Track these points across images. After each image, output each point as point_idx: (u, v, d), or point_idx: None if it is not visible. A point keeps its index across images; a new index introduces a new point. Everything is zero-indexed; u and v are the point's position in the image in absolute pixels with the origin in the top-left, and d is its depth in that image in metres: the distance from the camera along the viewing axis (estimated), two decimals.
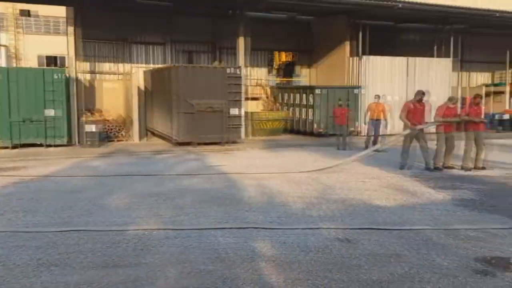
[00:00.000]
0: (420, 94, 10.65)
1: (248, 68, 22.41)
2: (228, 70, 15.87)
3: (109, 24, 18.87)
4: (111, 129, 17.51)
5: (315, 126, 18.83)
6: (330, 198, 7.38)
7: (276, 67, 24.14)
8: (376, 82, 20.14)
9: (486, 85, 26.18)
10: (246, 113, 19.67)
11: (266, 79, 23.00)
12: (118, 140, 17.25)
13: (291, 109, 20.50)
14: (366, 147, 14.02)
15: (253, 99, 22.28)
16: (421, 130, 10.55)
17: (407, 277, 4.22)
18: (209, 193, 7.82)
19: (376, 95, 15.35)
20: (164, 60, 20.58)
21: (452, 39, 21.98)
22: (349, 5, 18.78)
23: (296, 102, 20.15)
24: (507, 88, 24.43)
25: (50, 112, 14.87)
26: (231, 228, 5.74)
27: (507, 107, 24.13)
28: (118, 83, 18.64)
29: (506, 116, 23.07)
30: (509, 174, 9.79)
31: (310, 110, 19.21)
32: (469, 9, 19.64)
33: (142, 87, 18.94)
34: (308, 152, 14.17)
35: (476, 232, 5.56)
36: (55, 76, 15.03)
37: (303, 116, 19.72)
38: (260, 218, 6.24)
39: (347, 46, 20.77)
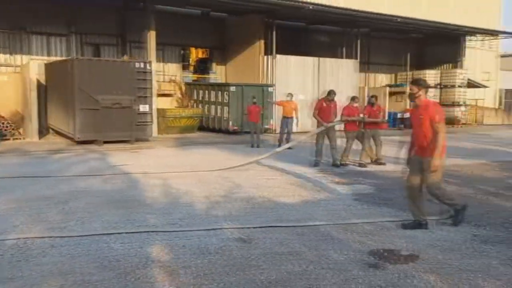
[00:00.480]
0: (333, 94, 10.90)
1: (161, 64, 21.79)
2: (136, 65, 15.18)
3: (3, 11, 17.18)
4: (6, 127, 16.00)
5: (230, 123, 18.72)
6: (237, 197, 7.22)
7: (192, 63, 23.67)
8: (289, 81, 20.53)
9: (389, 86, 27.86)
10: (158, 110, 19.09)
11: (181, 76, 22.42)
12: (14, 139, 15.79)
13: (206, 106, 20.22)
14: (279, 145, 14.20)
15: (166, 95, 21.63)
16: (332, 128, 10.85)
17: (304, 275, 4.15)
18: (107, 195, 7.30)
19: (288, 93, 15.57)
20: (68, 53, 19.21)
21: (358, 41, 23.06)
22: (261, 3, 18.89)
23: (211, 99, 19.92)
24: (407, 89, 26.11)
25: None
26: (126, 232, 5.33)
27: (408, 106, 25.84)
28: (14, 77, 17.02)
29: (407, 115, 24.70)
30: (404, 169, 10.31)
31: (224, 108, 19.07)
32: (374, 13, 20.69)
33: (43, 81, 17.53)
34: (221, 150, 14.00)
35: (372, 226, 5.70)
36: None
37: (217, 114, 19.52)
38: (161, 221, 5.90)
39: (260, 44, 20.89)
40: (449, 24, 24.47)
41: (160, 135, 18.37)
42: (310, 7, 18.38)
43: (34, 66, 15.87)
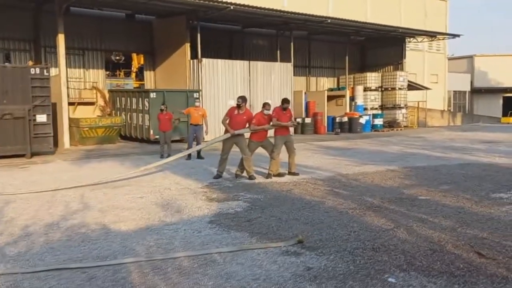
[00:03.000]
0: (241, 100, 9.86)
1: (82, 70, 20.42)
2: (32, 71, 13.77)
3: None
4: None
5: (151, 132, 17.52)
6: (66, 225, 6.06)
7: (134, 70, 22.25)
8: (217, 85, 19.54)
9: (330, 89, 27.29)
10: (71, 119, 17.73)
11: (103, 82, 21.04)
12: None
13: (128, 114, 18.95)
14: (161, 156, 13.27)
15: (87, 103, 20.24)
16: (242, 137, 9.84)
17: None
18: None
19: (195, 99, 14.55)
20: None
21: (292, 44, 22.30)
22: (179, 4, 17.83)
23: (132, 107, 18.67)
24: (347, 92, 25.58)
25: None
26: None
27: (347, 110, 25.28)
28: None
29: (345, 119, 24.12)
30: (302, 180, 9.44)
31: (145, 115, 17.87)
32: (303, 14, 19.97)
33: None
34: (123, 162, 12.82)
35: (194, 261, 4.66)
36: None
37: (139, 122, 18.30)
38: None
39: (186, 48, 19.79)
40: (387, 26, 24.11)
41: (74, 146, 17.02)
42: (231, 7, 17.41)
43: None
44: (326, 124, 24.37)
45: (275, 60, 22.48)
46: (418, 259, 4.73)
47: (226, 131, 10.00)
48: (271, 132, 10.24)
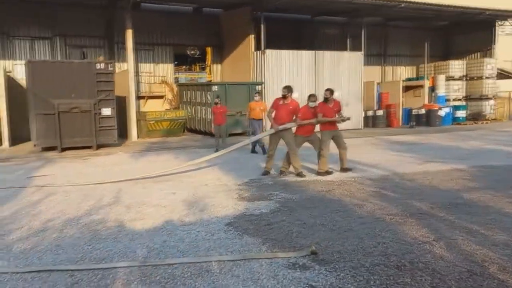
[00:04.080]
0: (286, 90, 9.32)
1: (152, 65, 21.02)
2: (97, 66, 14.32)
3: None
4: None
5: (212, 125, 17.51)
6: (85, 221, 6.00)
7: (209, 64, 22.63)
8: (280, 77, 19.00)
9: (407, 79, 25.49)
10: (140, 113, 18.31)
11: (172, 76, 21.49)
12: None
13: (193, 108, 19.17)
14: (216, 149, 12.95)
15: (157, 97, 20.82)
16: (289, 131, 9.30)
17: None
18: None
19: (255, 93, 14.14)
20: (53, 56, 18.82)
21: (363, 31, 21.04)
22: None
23: (197, 100, 18.82)
24: (426, 82, 23.69)
25: None
26: None
27: (426, 102, 23.44)
28: None
29: (422, 111, 22.38)
30: (350, 179, 8.69)
31: (208, 109, 17.88)
32: None
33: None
34: (179, 155, 12.86)
35: (191, 269, 4.28)
36: None
37: (202, 115, 18.41)
38: None
39: (251, 40, 19.51)
40: (471, 8, 21.81)
41: (142, 139, 17.55)
42: None
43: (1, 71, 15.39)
44: (401, 117, 22.80)
45: (346, 49, 21.41)
46: (448, 283, 3.93)
47: (272, 126, 9.51)
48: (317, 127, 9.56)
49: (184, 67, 23.70)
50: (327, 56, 20.20)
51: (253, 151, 13.05)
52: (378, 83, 23.58)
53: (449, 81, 24.55)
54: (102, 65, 14.42)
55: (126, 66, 18.13)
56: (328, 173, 9.27)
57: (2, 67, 15.81)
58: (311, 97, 9.44)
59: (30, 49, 18.68)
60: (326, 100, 9.42)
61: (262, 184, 8.44)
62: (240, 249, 4.88)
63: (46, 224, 5.84)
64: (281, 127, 9.20)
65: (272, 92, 18.66)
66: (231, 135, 16.32)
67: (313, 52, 19.91)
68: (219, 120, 13.69)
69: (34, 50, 18.79)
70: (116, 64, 20.01)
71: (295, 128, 9.50)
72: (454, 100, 24.54)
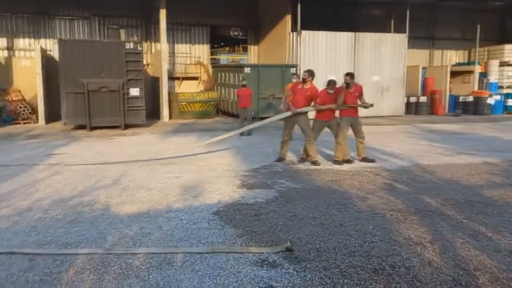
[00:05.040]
0: (308, 73, 8.87)
1: (188, 45, 20.96)
2: (126, 46, 14.36)
3: None
4: (23, 110, 16.38)
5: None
6: (73, 202, 5.93)
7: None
8: (316, 60, 18.33)
9: (459, 64, 23.92)
10: (173, 94, 18.33)
11: (208, 57, 21.35)
12: (25, 123, 16.07)
13: (226, 90, 18.96)
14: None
15: (192, 78, 20.78)
16: (304, 115, 8.88)
17: None
18: None
19: (292, 75, 13.62)
20: (90, 36, 19.16)
21: (408, 12, 19.80)
22: None
23: (230, 82, 18.58)
24: (476, 68, 22.10)
25: None
26: None
27: (475, 89, 21.91)
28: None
29: (470, 99, 20.95)
30: (366, 169, 8.15)
31: None
32: None
33: None
34: (203, 136, 12.64)
35: (154, 260, 4.06)
36: None
37: (235, 98, 18.13)
38: None
39: (287, 20, 18.90)
40: None
41: (174, 120, 17.58)
42: None
43: (38, 49, 15.82)
44: (446, 104, 21.45)
45: (388, 31, 20.31)
46: None
47: (288, 109, 9.07)
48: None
49: (228, 48, 23.56)
50: (368, 38, 19.23)
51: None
52: (423, 68, 22.28)
53: (503, 66, 22.77)
54: (132, 45, 14.43)
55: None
56: (347, 161, 8.76)
57: (40, 46, 16.21)
58: (330, 84, 8.85)
59: (69, 28, 19.11)
60: (347, 85, 8.83)
61: (271, 171, 8.10)
62: (215, 240, 4.60)
63: (34, 204, 5.82)
64: (298, 110, 8.76)
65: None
66: (262, 118, 15.97)
67: (352, 33, 19.01)
68: (245, 102, 13.39)
69: (74, 29, 19.20)
70: (153, 44, 20.22)
71: (315, 113, 9.04)
72: (507, 87, 22.78)
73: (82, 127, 14.38)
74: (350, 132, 8.90)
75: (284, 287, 3.58)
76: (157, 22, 19.42)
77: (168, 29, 19.14)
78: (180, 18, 20.30)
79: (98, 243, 4.51)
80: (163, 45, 17.48)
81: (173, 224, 5.10)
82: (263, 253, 4.25)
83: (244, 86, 13.54)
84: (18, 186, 6.84)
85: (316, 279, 3.73)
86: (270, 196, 6.33)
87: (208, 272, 3.83)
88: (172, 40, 20.37)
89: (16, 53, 18.60)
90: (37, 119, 16.03)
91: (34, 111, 16.54)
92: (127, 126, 14.67)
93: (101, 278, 3.71)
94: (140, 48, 14.59)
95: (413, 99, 20.91)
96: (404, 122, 17.35)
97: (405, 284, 3.62)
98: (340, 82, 9.04)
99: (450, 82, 21.78)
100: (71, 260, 4.07)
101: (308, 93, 8.78)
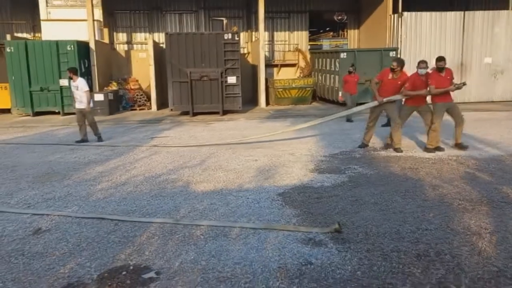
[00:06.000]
0: (397, 63, 8.76)
1: (287, 33, 21.33)
2: (225, 36, 15.21)
3: None
4: (140, 98, 18.26)
5: (339, 94, 17.20)
6: (161, 179, 6.71)
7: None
8: (419, 43, 17.49)
9: None
10: (270, 80, 18.88)
11: (306, 44, 21.49)
12: (140, 109, 17.92)
13: (323, 76, 19.01)
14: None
15: (290, 65, 21.14)
16: (392, 103, 8.81)
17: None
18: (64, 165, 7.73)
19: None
20: (197, 28, 20.54)
21: None
22: None
23: (326, 68, 18.59)
24: None
25: (64, 82, 15.96)
26: None
27: None
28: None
29: None
30: (451, 157, 7.81)
31: (336, 77, 17.57)
32: None
33: None
34: (296, 122, 13.00)
35: (213, 231, 4.57)
36: (68, 48, 16.03)
37: (330, 83, 18.16)
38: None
39: (389, 1, 18.22)
40: None
41: (271, 106, 18.18)
42: None
43: (151, 43, 17.44)
44: None
45: (506, 8, 18.49)
46: (461, 280, 3.46)
47: (375, 98, 8.99)
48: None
49: (332, 33, 23.55)
50: (479, 16, 17.75)
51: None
52: None
53: None
54: (229, 36, 15.24)
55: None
56: (437, 149, 8.45)
57: (152, 40, 17.84)
58: (421, 63, 8.57)
59: (179, 22, 20.69)
60: (440, 69, 8.44)
61: (349, 157, 8.18)
62: (272, 219, 4.97)
63: (129, 180, 6.74)
64: (385, 99, 8.66)
65: (410, 59, 17.32)
66: (359, 104, 15.79)
67: (461, 13, 17.71)
68: (352, 89, 13.36)
69: (182, 23, 20.75)
70: (253, 33, 20.95)
71: (404, 99, 8.85)
72: None
73: (187, 113, 15.63)
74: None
75: (322, 264, 3.83)
76: (256, 11, 20.20)
77: (267, 18, 19.77)
78: (281, 6, 20.73)
79: (171, 214, 5.16)
80: (261, 33, 18.06)
81: (239, 202, 5.58)
82: (311, 232, 4.51)
83: (350, 72, 13.51)
84: (121, 164, 7.89)
85: (355, 259, 3.91)
86: (338, 181, 6.49)
87: (256, 246, 4.22)
88: (272, 28, 20.92)
89: (135, 46, 20.68)
90: (151, 105, 17.75)
91: (149, 98, 18.31)
92: (225, 112, 15.61)
93: (166, 243, 4.31)
94: (237, 38, 15.34)
95: None
96: None
97: (444, 271, 3.64)
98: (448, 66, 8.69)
99: None
100: (146, 226, 4.76)
101: (399, 82, 8.61)
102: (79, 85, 9.99)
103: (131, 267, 3.80)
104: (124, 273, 3.70)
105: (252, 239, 4.38)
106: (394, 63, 8.66)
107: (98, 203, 5.61)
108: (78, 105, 10.09)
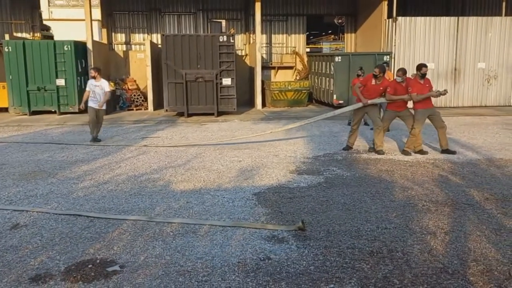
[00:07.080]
0: (378, 70, 9.00)
1: (284, 35, 21.55)
2: (220, 38, 15.45)
3: None
4: (136, 98, 18.52)
5: (334, 97, 17.41)
6: (143, 178, 6.95)
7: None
8: (413, 47, 17.67)
9: None
10: (266, 82, 19.11)
11: (304, 47, 21.71)
12: (137, 109, 18.17)
13: (319, 78, 19.22)
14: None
15: (287, 68, 21.36)
16: (374, 106, 9.05)
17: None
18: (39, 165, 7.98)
19: (384, 63, 13.48)
20: (196, 30, 20.79)
21: None
22: None
23: (322, 71, 18.80)
24: None
25: (60, 82, 16.25)
26: None
27: None
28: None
29: None
30: (427, 161, 8.00)
31: (330, 80, 17.78)
32: None
33: None
34: (287, 124, 13.20)
35: (184, 228, 4.80)
36: (65, 48, 16.29)
37: (326, 86, 18.36)
38: None
39: (384, 6, 18.41)
40: None
41: (267, 108, 18.40)
42: None
43: (148, 44, 17.70)
44: None
45: (499, 15, 18.64)
46: (405, 275, 3.67)
47: (359, 100, 9.24)
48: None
49: (333, 36, 23.75)
50: (472, 22, 17.91)
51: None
52: None
53: None
54: (225, 38, 15.48)
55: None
56: (421, 152, 8.64)
57: (149, 41, 18.11)
58: (399, 71, 8.83)
59: (177, 23, 20.94)
60: (423, 76, 8.65)
61: (331, 159, 8.39)
62: (243, 217, 5.20)
63: (112, 178, 6.98)
64: (370, 101, 8.90)
65: (403, 63, 17.53)
66: None
67: (455, 18, 17.88)
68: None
69: (181, 24, 20.99)
70: (251, 35, 21.19)
71: (386, 103, 9.07)
72: None
73: (182, 114, 15.87)
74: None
75: (279, 259, 4.05)
76: (254, 14, 20.44)
77: (265, 20, 20.00)
78: (277, 9, 20.95)
79: (146, 212, 5.39)
80: (258, 36, 18.29)
81: (215, 201, 5.80)
82: (277, 230, 4.73)
83: (359, 75, 13.65)
84: (107, 163, 8.14)
85: (311, 255, 4.12)
86: (314, 182, 6.71)
87: (221, 242, 4.44)
88: (270, 30, 21.16)
89: (133, 47, 20.95)
90: (148, 106, 18.01)
91: (146, 99, 18.57)
92: (220, 114, 15.84)
93: (135, 239, 4.54)
94: (233, 41, 15.57)
95: None
96: (510, 113, 15.95)
97: (392, 267, 3.85)
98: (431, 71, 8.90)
99: None
100: (119, 223, 4.99)
101: (381, 88, 8.86)
102: (103, 85, 10.37)
103: (98, 261, 4.03)
104: (90, 266, 3.93)
105: (219, 236, 4.60)
106: (376, 70, 8.92)
107: (78, 201, 5.85)
108: (94, 105, 10.38)
